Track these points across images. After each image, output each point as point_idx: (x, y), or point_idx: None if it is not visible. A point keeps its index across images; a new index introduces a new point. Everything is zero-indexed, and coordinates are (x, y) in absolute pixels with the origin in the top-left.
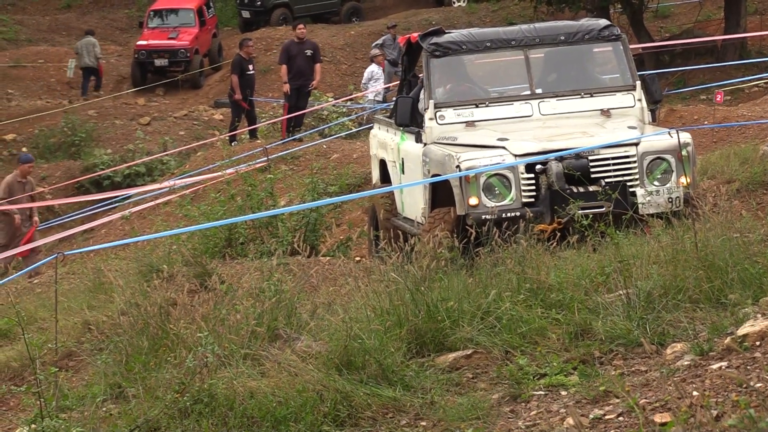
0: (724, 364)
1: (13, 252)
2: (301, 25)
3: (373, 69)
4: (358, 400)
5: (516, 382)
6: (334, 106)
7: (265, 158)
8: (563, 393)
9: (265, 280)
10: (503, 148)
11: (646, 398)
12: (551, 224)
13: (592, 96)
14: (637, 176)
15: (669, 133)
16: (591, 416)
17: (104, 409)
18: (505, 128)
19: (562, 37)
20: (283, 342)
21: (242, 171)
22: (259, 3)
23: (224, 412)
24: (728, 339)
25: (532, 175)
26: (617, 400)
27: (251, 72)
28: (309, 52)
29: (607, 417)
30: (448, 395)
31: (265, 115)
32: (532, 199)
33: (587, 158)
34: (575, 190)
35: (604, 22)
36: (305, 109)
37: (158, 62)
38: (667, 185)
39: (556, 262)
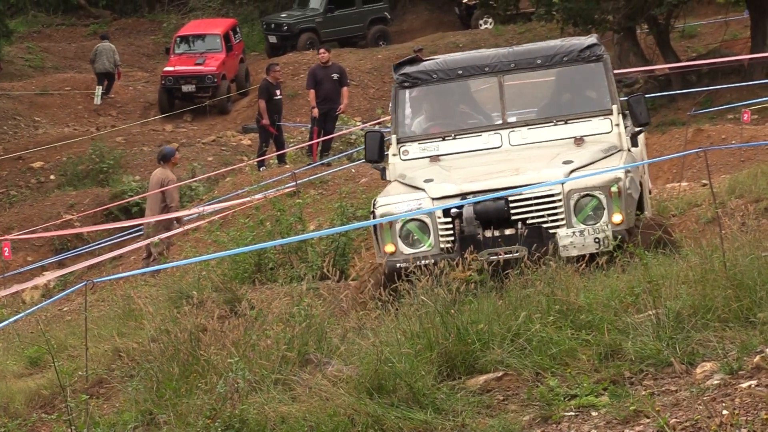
0: (753, 382)
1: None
2: (323, 50)
3: None
4: (390, 424)
5: (547, 403)
6: (362, 130)
7: (294, 183)
8: (594, 414)
9: (295, 305)
10: (423, 191)
11: (676, 418)
12: (463, 271)
13: (566, 123)
14: (562, 216)
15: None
16: None
17: None
18: (461, 163)
19: (539, 61)
20: (314, 366)
21: (271, 196)
22: (285, 28)
23: None
24: (758, 358)
25: (450, 220)
26: (648, 420)
27: (279, 97)
28: (335, 76)
29: None
30: (479, 418)
31: (293, 140)
32: (451, 245)
33: (506, 200)
34: (489, 234)
35: (589, 41)
36: (333, 133)
37: (185, 88)
38: (599, 224)
39: (586, 283)
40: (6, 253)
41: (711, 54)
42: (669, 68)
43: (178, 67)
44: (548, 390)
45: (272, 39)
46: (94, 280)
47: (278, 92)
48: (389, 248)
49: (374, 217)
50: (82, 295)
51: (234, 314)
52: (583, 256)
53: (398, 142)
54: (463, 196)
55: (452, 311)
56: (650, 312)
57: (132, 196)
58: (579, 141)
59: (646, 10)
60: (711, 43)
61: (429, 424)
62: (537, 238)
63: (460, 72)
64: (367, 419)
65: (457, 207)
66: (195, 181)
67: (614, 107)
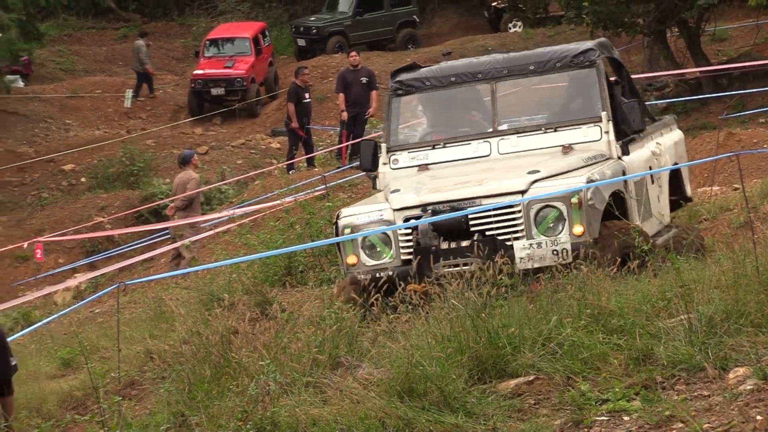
0: None
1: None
2: (354, 53)
3: None
4: (421, 427)
5: (578, 407)
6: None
7: (324, 186)
8: (626, 418)
9: (325, 308)
10: (387, 201)
11: (709, 423)
12: (420, 283)
13: (555, 131)
14: (522, 227)
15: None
16: None
17: None
18: (446, 173)
19: (532, 67)
20: (345, 369)
21: (301, 199)
22: (314, 31)
23: None
24: None
25: (410, 231)
26: (680, 425)
27: (307, 100)
28: (365, 80)
29: None
30: (510, 421)
31: (322, 143)
32: (411, 257)
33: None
34: (446, 246)
35: (585, 46)
36: (362, 136)
37: (215, 91)
38: (558, 235)
39: (617, 287)
40: (38, 255)
41: (742, 57)
42: (700, 72)
43: (207, 71)
44: (579, 394)
45: (301, 42)
46: (126, 282)
47: (307, 95)
48: (351, 260)
49: (336, 229)
50: (113, 297)
51: (265, 317)
52: (542, 268)
53: (388, 150)
54: (424, 207)
55: (483, 315)
56: (682, 316)
57: (162, 199)
58: (567, 149)
59: (677, 14)
60: (742, 46)
61: (460, 428)
62: (492, 249)
63: (453, 79)
64: (398, 422)
65: (416, 218)
66: (224, 184)
67: (603, 114)
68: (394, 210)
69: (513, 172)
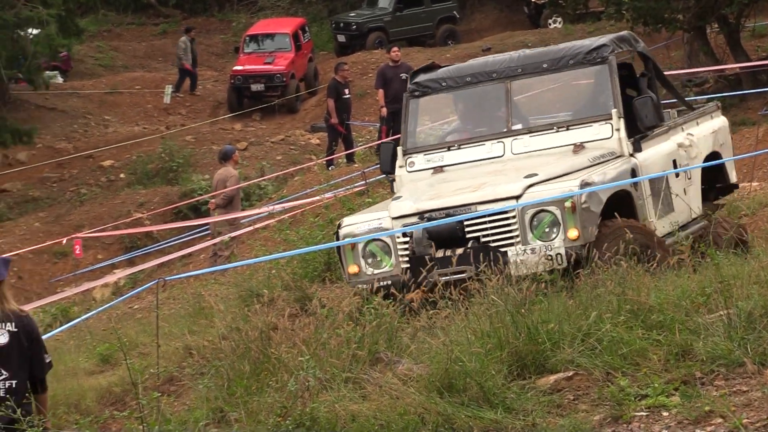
0: None
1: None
2: (396, 48)
3: None
4: (460, 423)
5: (617, 403)
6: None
7: (363, 182)
8: (665, 414)
9: (365, 304)
10: (386, 210)
11: (748, 418)
12: (416, 292)
13: (567, 129)
14: (517, 233)
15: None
16: None
17: None
18: (458, 175)
19: (545, 65)
20: (384, 365)
21: (340, 195)
22: (354, 27)
23: None
24: None
25: (408, 240)
26: (720, 421)
27: (347, 96)
28: (404, 76)
29: None
30: (549, 417)
31: (362, 139)
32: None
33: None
34: (441, 254)
35: (599, 42)
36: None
37: (254, 87)
38: (553, 241)
39: (657, 283)
40: (77, 251)
41: None
42: (739, 68)
43: (247, 66)
44: (619, 390)
45: (341, 38)
46: (166, 278)
47: (347, 91)
48: (352, 269)
49: (337, 238)
50: (152, 293)
51: (304, 312)
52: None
53: (405, 153)
54: (420, 215)
55: (522, 311)
56: (722, 312)
57: (201, 195)
58: (578, 148)
59: (717, 9)
60: None
61: (499, 423)
62: (486, 256)
63: (468, 79)
64: (437, 418)
65: (408, 226)
66: (264, 180)
67: (614, 111)
68: (392, 218)
69: (511, 176)
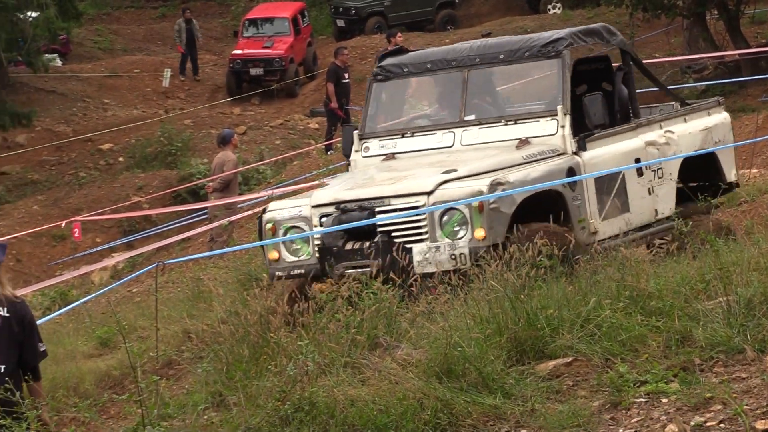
0: None
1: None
2: (400, 34)
3: None
4: (459, 408)
5: (616, 389)
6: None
7: None
8: (664, 400)
9: (364, 289)
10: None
11: (747, 405)
12: (322, 284)
13: (516, 123)
14: (426, 230)
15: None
16: (692, 423)
17: (205, 417)
18: (403, 164)
19: (502, 56)
20: (383, 350)
21: None
22: (353, 11)
23: (325, 420)
24: None
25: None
26: (719, 407)
27: (347, 80)
28: None
29: (708, 424)
30: (548, 403)
31: None
32: None
33: (372, 210)
34: (349, 246)
35: (557, 35)
36: None
37: (253, 71)
38: (458, 240)
39: (656, 269)
40: (76, 235)
41: None
42: (739, 54)
43: (246, 51)
44: (618, 376)
45: (340, 22)
46: (165, 262)
47: (346, 76)
48: (272, 255)
49: (259, 224)
50: (151, 276)
51: (303, 297)
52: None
53: (361, 138)
54: (337, 204)
55: (522, 296)
56: (721, 299)
57: (200, 179)
58: (522, 143)
59: None
60: None
61: (498, 409)
62: (391, 252)
63: (428, 66)
64: (436, 403)
65: (326, 215)
66: (263, 164)
67: (559, 108)
68: (312, 207)
69: (435, 169)
